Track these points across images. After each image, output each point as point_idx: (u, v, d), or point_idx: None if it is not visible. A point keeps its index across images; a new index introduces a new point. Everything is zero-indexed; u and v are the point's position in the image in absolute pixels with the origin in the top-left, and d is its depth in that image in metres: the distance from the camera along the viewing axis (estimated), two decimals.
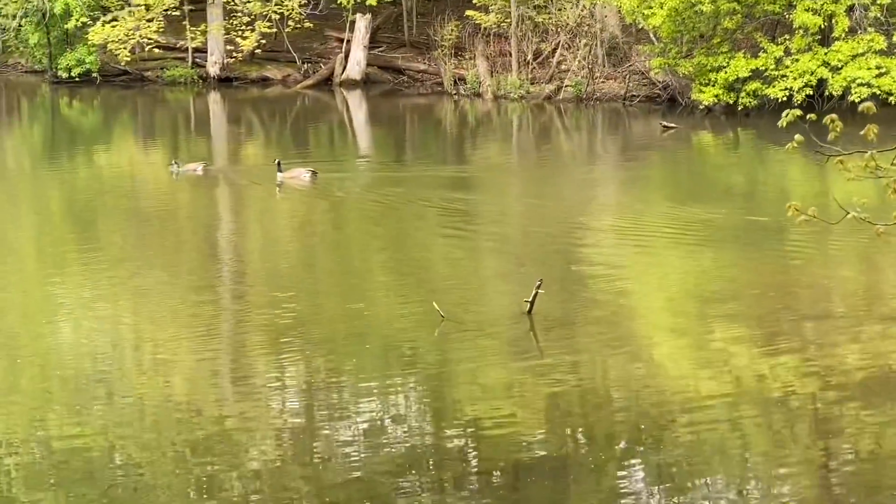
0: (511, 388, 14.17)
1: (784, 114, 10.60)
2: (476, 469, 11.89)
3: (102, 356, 15.47)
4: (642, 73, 45.12)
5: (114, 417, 13.17)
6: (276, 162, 28.69)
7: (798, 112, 10.46)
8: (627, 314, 17.28)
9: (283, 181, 28.22)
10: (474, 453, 12.32)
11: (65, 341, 16.08)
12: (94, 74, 52.48)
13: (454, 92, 47.90)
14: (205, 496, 11.19)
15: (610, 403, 13.79)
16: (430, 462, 12.01)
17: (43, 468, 11.84)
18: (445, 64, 48.92)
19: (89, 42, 51.29)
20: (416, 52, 52.25)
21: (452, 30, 49.52)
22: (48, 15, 52.41)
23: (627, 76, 45.47)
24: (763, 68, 38.59)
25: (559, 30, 47.08)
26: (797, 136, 10.49)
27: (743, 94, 38.74)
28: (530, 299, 16.36)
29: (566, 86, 45.76)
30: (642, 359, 15.23)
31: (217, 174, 30.61)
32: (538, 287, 16.26)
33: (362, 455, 12.17)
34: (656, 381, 14.37)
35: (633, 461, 12.03)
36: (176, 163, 29.95)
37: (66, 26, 51.86)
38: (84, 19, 51.21)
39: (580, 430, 12.99)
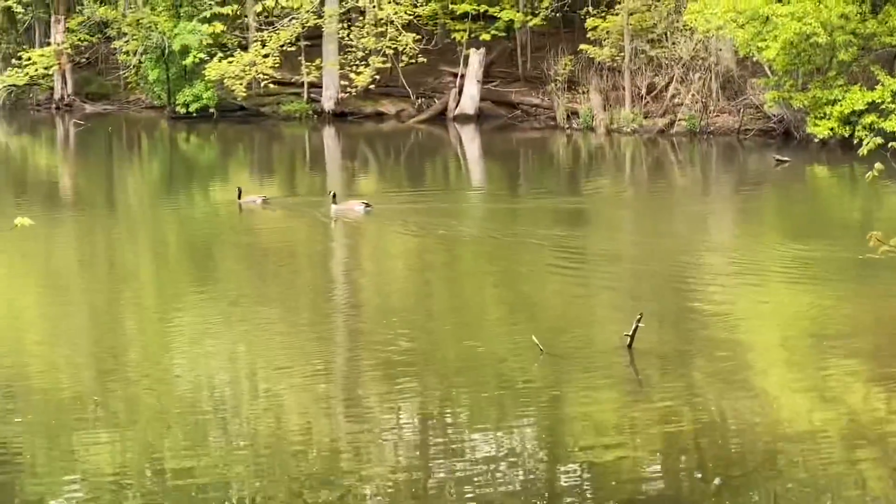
0: (615, 421, 14.09)
1: (865, 141, 10.42)
2: None
3: (218, 389, 15.67)
4: (757, 107, 44.77)
5: (228, 450, 13.31)
6: (331, 194, 28.90)
7: (879, 140, 10.28)
8: (737, 349, 17.09)
9: (338, 214, 28.41)
10: (587, 488, 12.26)
11: (182, 373, 16.29)
12: (212, 110, 53.32)
13: (567, 126, 47.91)
14: None
15: (720, 438, 13.64)
16: (544, 498, 11.97)
17: (158, 498, 12.01)
18: (559, 98, 48.96)
19: (206, 78, 52.11)
20: (529, 86, 52.38)
21: (566, 64, 49.57)
22: (167, 52, 53.36)
23: (742, 110, 45.14)
24: (880, 101, 38.08)
25: (673, 63, 46.90)
26: (877, 165, 10.31)
27: (859, 127, 38.25)
28: (630, 333, 16.29)
29: (679, 119, 45.55)
30: (753, 393, 15.06)
31: (276, 206, 30.95)
32: (638, 321, 16.18)
33: (475, 491, 12.15)
34: (768, 417, 14.19)
35: (744, 497, 11.90)
36: (239, 191, 30.50)
37: (184, 63, 52.78)
38: (201, 55, 52.08)
39: (691, 464, 12.86)
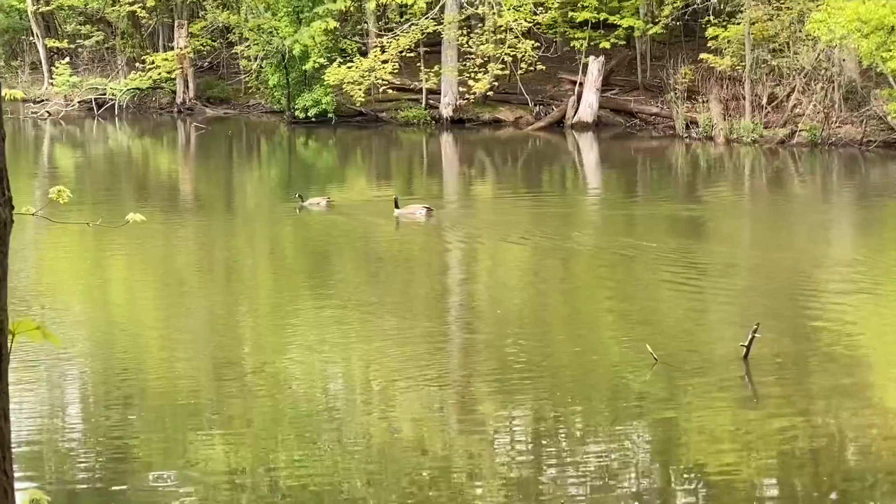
0: (730, 432, 13.90)
1: None
2: None
3: (333, 392, 15.77)
4: (880, 118, 44.02)
5: (341, 453, 13.36)
6: (394, 198, 29.36)
7: None
8: (856, 363, 16.78)
9: (400, 217, 28.81)
10: (701, 500, 12.11)
11: (297, 376, 16.40)
12: (330, 115, 53.68)
13: (686, 135, 47.51)
14: None
15: (837, 452, 13.40)
16: None
17: (270, 498, 12.08)
18: (678, 107, 48.58)
19: (326, 83, 52.50)
20: (648, 95, 52.07)
21: (686, 73, 49.18)
22: (287, 57, 53.85)
23: (865, 121, 44.42)
24: None
25: (795, 73, 46.30)
26: None
27: None
28: (746, 343, 16.05)
29: (800, 130, 44.95)
30: (872, 408, 14.77)
31: (341, 209, 31.12)
32: (754, 331, 15.95)
33: (588, 500, 12.05)
34: (887, 432, 13.90)
35: None
36: (300, 196, 30.68)
37: (304, 67, 53.22)
38: (321, 60, 52.47)
39: (807, 477, 12.64)
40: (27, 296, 21.45)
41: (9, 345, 4.34)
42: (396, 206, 29.08)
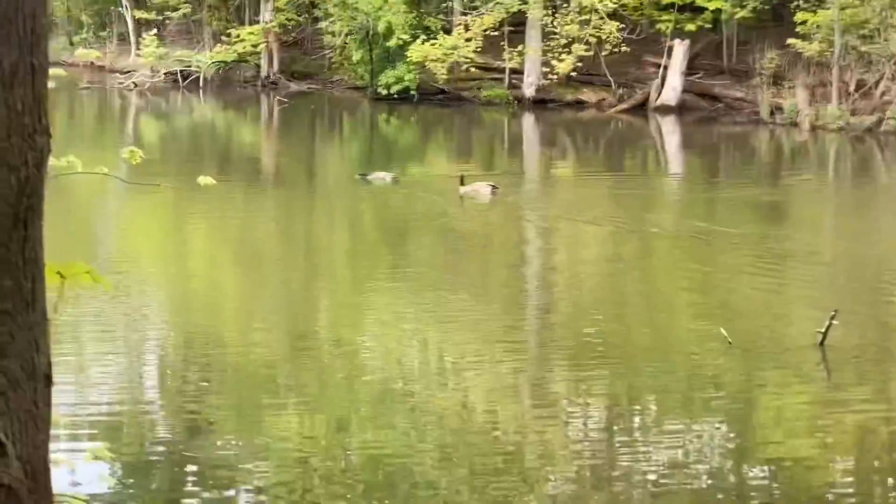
0: (804, 419, 13.74)
1: None
2: None
3: (408, 367, 15.76)
4: None
5: (414, 431, 13.35)
6: (460, 176, 29.31)
7: None
8: None
9: (465, 195, 28.76)
10: (775, 486, 11.97)
11: (373, 353, 16.43)
12: (413, 92, 53.68)
13: (770, 121, 46.99)
14: None
15: None
16: (730, 494, 11.72)
17: (343, 476, 12.09)
18: (763, 92, 48.05)
19: (409, 60, 52.50)
20: (734, 79, 51.53)
21: (773, 58, 48.62)
22: (371, 33, 53.92)
23: None
24: None
25: (885, 60, 45.62)
26: None
27: None
28: (823, 330, 15.83)
29: (889, 118, 44.29)
30: None
31: (406, 185, 31.28)
32: (832, 318, 15.72)
33: (659, 483, 11.94)
34: None
35: None
36: (364, 173, 30.94)
37: (387, 44, 53.25)
38: (405, 37, 52.47)
39: (883, 468, 12.46)
40: (108, 262, 21.66)
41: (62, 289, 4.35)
42: (462, 184, 29.07)
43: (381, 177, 31.03)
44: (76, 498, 7.57)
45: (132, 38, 67.99)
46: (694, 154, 42.88)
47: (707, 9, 51.37)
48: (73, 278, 4.42)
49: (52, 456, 3.91)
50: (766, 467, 12.46)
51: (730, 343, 15.89)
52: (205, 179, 9.01)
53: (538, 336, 17.71)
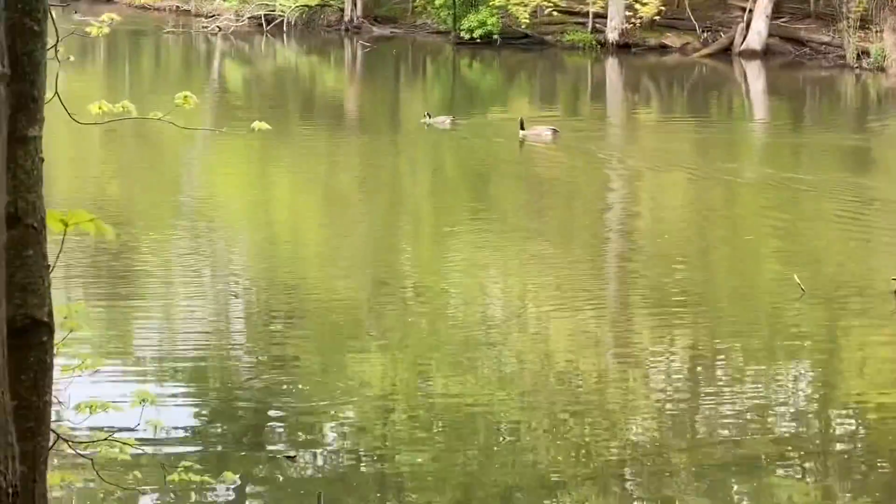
0: (882, 365, 13.73)
1: None
2: (861, 457, 11.56)
3: (489, 314, 15.89)
4: None
5: (495, 377, 13.50)
6: (520, 120, 29.35)
7: None
8: None
9: (525, 138, 28.87)
10: (858, 433, 12.01)
11: (454, 299, 16.56)
12: (496, 37, 53.52)
13: (857, 65, 46.39)
14: (581, 462, 11.33)
15: None
16: (814, 443, 11.76)
17: (424, 421, 12.27)
18: (850, 36, 47.40)
19: (492, 4, 52.34)
20: (820, 23, 50.83)
21: (860, 2, 47.93)
22: None
23: None
24: None
25: None
26: None
27: None
28: None
29: None
30: None
31: (465, 128, 31.36)
32: None
33: (743, 436, 11.98)
34: None
35: None
36: (428, 114, 31.23)
37: None
38: None
39: None
40: (195, 207, 21.98)
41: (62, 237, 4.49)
42: (522, 128, 29.10)
43: (442, 120, 31.27)
44: (121, 441, 7.82)
45: None
46: (779, 99, 42.43)
47: None
48: (77, 226, 4.54)
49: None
50: (846, 413, 12.50)
51: (803, 290, 15.91)
52: (259, 125, 9.21)
53: (620, 283, 17.76)
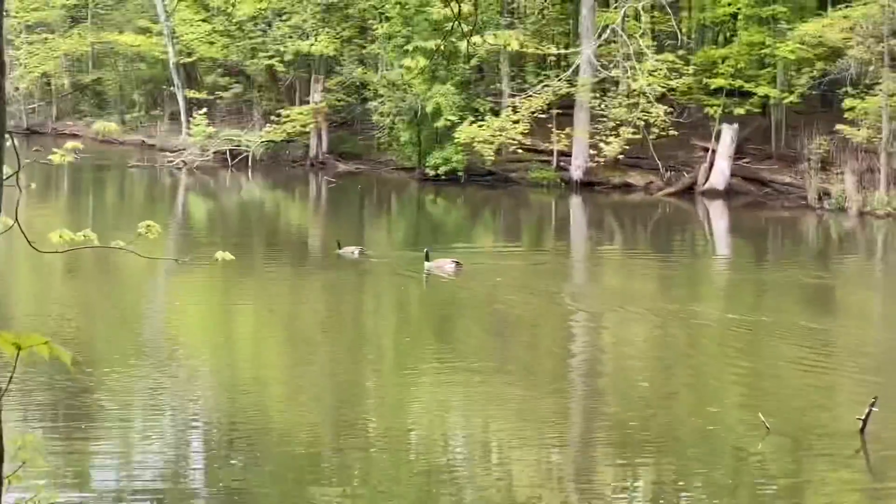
0: None
1: None
2: None
3: (452, 453, 15.70)
4: None
5: None
6: (425, 251, 30.08)
7: None
8: None
9: (431, 271, 29.44)
10: None
11: (416, 432, 16.38)
12: (460, 173, 53.93)
13: (819, 206, 46.86)
14: None
15: None
16: None
17: None
18: (811, 178, 47.96)
19: (456, 141, 52.77)
20: (782, 164, 51.47)
21: (821, 144, 48.57)
22: (420, 114, 54.27)
23: None
24: None
25: None
26: None
27: None
28: (863, 417, 15.70)
29: None
30: None
31: (372, 259, 32.12)
32: (872, 405, 15.60)
33: None
34: None
35: None
36: (338, 242, 32.55)
37: (436, 125, 53.59)
38: (453, 118, 52.76)
39: None
40: (156, 341, 21.76)
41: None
42: (427, 259, 29.72)
43: (350, 251, 32.22)
44: None
45: (183, 118, 68.71)
46: (742, 238, 42.71)
47: (755, 94, 51.46)
48: (30, 349, 4.39)
49: None
50: None
51: (768, 429, 15.88)
52: (223, 255, 9.21)
53: (582, 419, 17.60)
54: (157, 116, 76.04)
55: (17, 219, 7.71)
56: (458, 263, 29.94)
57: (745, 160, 51.84)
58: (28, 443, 7.32)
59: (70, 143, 9.06)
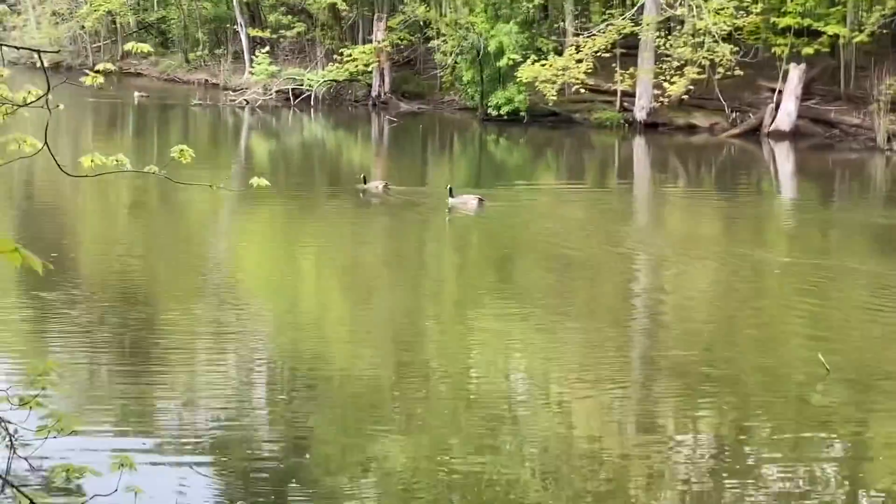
0: None
1: None
2: None
3: (512, 393, 15.63)
4: None
5: (517, 458, 13.21)
6: (448, 188, 30.59)
7: None
8: None
9: (454, 206, 29.93)
10: None
11: (477, 374, 16.32)
12: (522, 114, 53.58)
13: (887, 148, 46.17)
14: None
15: None
16: None
17: (444, 493, 11.98)
18: (880, 119, 47.22)
19: (519, 81, 52.37)
20: (850, 105, 50.72)
21: (891, 84, 47.79)
22: (482, 53, 53.89)
23: None
24: None
25: None
26: None
27: None
28: None
29: None
30: None
31: (396, 195, 32.57)
32: None
33: None
34: None
35: None
36: (364, 178, 33.27)
37: (498, 64, 53.19)
38: (515, 57, 52.34)
39: None
40: (218, 280, 21.80)
41: None
42: (451, 196, 30.17)
43: (375, 185, 32.94)
44: None
45: (246, 57, 68.73)
46: (808, 180, 42.19)
47: (824, 33, 50.59)
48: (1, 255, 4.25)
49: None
50: (876, 497, 12.16)
51: (827, 370, 15.75)
52: (258, 181, 9.21)
53: (643, 362, 17.44)
54: (220, 55, 76.14)
55: (45, 141, 7.67)
56: (481, 200, 30.24)
57: (812, 101, 51.14)
58: (49, 368, 7.33)
59: (101, 64, 9.00)
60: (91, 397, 14.84)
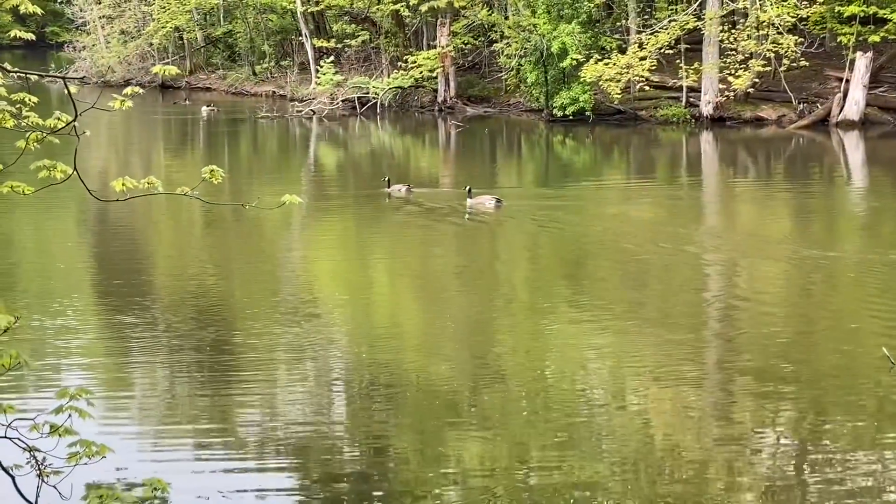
0: None
1: None
2: None
3: (588, 391, 15.75)
4: None
5: (592, 453, 13.34)
6: (467, 189, 31.16)
7: None
8: None
9: (473, 207, 30.45)
10: None
11: (552, 378, 16.44)
12: (588, 113, 53.61)
13: None
14: None
15: None
16: None
17: (523, 495, 12.14)
18: None
19: (583, 80, 52.38)
20: None
21: None
22: (545, 54, 53.98)
23: None
24: None
25: None
26: None
27: None
28: None
29: None
30: None
31: (420, 197, 33.13)
32: None
33: None
34: None
35: None
36: (388, 180, 34.16)
37: (562, 65, 53.25)
38: (579, 57, 52.35)
39: None
40: (292, 293, 22.06)
41: None
42: (469, 197, 30.78)
43: (398, 188, 33.62)
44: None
45: (312, 67, 69.23)
46: (879, 169, 41.85)
47: (891, 20, 50.20)
48: None
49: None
50: None
51: (893, 363, 15.78)
52: (290, 198, 9.26)
53: (722, 359, 17.50)
54: (286, 67, 76.73)
55: (75, 167, 7.86)
56: (498, 200, 30.73)
57: (880, 89, 50.77)
58: (75, 395, 7.54)
59: (129, 88, 9.02)
60: (171, 417, 15.16)
